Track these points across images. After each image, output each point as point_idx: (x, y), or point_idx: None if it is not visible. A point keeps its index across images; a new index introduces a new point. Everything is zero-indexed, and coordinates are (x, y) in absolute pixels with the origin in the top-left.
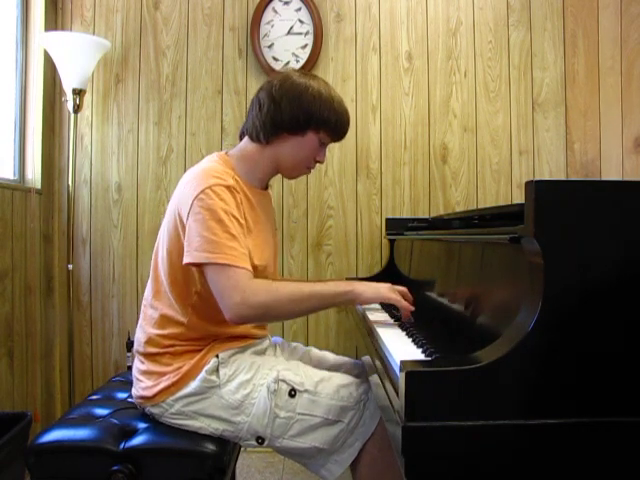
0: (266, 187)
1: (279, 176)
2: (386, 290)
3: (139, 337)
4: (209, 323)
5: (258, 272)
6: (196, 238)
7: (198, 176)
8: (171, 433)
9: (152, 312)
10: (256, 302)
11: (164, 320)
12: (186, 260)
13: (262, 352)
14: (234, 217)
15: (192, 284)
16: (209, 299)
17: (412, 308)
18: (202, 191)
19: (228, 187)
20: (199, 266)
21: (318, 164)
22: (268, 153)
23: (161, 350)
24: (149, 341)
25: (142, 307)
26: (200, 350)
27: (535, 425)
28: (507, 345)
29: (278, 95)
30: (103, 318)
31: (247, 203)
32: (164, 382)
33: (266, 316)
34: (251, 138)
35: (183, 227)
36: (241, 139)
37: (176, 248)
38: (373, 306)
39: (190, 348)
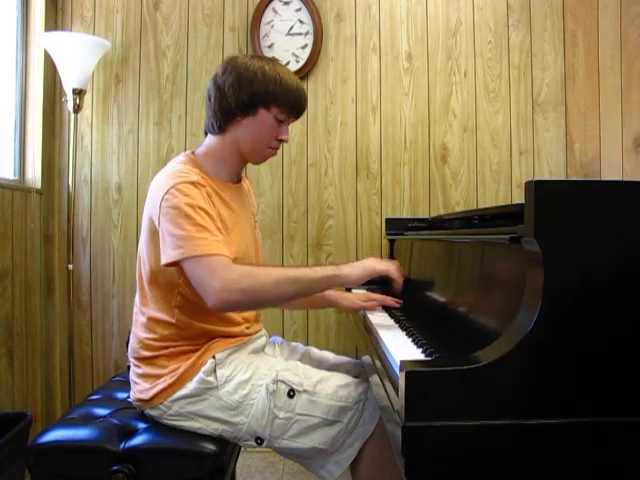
0: (239, 180)
1: (278, 177)
2: (374, 263)
3: (133, 344)
4: (198, 321)
5: (236, 263)
6: (168, 238)
7: (163, 180)
8: (171, 433)
9: (141, 317)
10: (238, 288)
11: (153, 323)
12: (163, 262)
13: (260, 350)
14: (200, 209)
15: (174, 285)
16: (193, 298)
17: (402, 280)
18: (167, 192)
19: (192, 182)
20: (177, 265)
21: (283, 143)
22: (228, 141)
23: (156, 353)
24: (143, 346)
25: (133, 315)
26: (195, 350)
27: (535, 425)
28: (507, 345)
29: (221, 81)
30: (103, 318)
31: (217, 198)
32: (161, 384)
33: (251, 302)
34: (210, 132)
35: (156, 232)
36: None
37: (153, 253)
38: None
39: (185, 349)
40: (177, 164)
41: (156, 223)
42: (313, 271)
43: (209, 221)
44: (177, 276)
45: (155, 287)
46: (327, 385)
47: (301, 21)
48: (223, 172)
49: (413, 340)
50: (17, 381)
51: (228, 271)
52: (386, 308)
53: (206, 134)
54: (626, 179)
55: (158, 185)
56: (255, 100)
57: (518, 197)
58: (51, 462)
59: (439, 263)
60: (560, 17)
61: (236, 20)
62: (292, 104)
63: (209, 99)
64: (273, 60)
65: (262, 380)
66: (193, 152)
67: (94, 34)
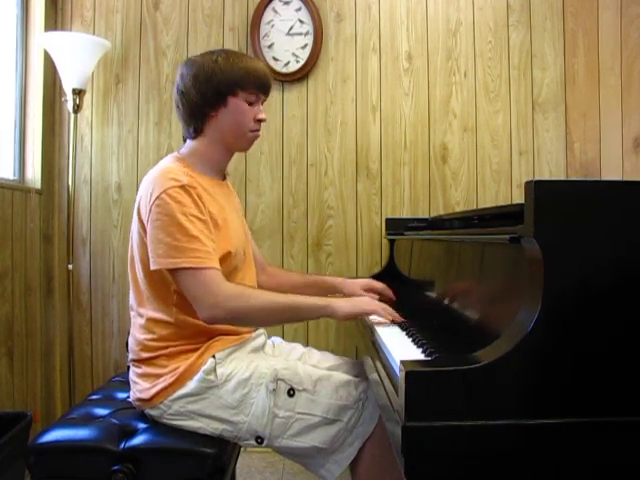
0: (224, 177)
1: (278, 177)
2: (365, 303)
3: (132, 346)
4: (196, 318)
5: (231, 257)
6: (159, 245)
7: (155, 180)
8: (171, 433)
9: (140, 319)
10: (229, 307)
11: (152, 324)
12: (152, 267)
13: (260, 349)
14: (193, 216)
15: (170, 283)
16: None
17: (390, 319)
18: (158, 197)
19: (183, 186)
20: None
21: (263, 123)
22: (209, 139)
23: (156, 354)
24: (142, 348)
25: (131, 318)
26: (195, 350)
27: (535, 425)
28: (507, 345)
29: (183, 87)
30: (103, 318)
31: (207, 195)
32: (161, 384)
33: (239, 321)
34: (189, 137)
35: (146, 232)
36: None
37: (145, 253)
38: None
39: (185, 348)
40: (168, 162)
41: (145, 225)
42: (305, 300)
43: (202, 228)
44: (171, 276)
45: (151, 286)
46: (327, 384)
47: (301, 21)
48: (210, 169)
49: (413, 340)
50: (17, 381)
51: (221, 289)
52: None
53: (184, 140)
54: (626, 179)
55: (149, 186)
56: (220, 92)
57: (518, 197)
58: (51, 462)
59: (439, 263)
60: (560, 17)
61: (236, 20)
62: (256, 84)
63: (177, 107)
64: (225, 50)
65: (262, 379)
66: (179, 152)
67: (94, 34)
